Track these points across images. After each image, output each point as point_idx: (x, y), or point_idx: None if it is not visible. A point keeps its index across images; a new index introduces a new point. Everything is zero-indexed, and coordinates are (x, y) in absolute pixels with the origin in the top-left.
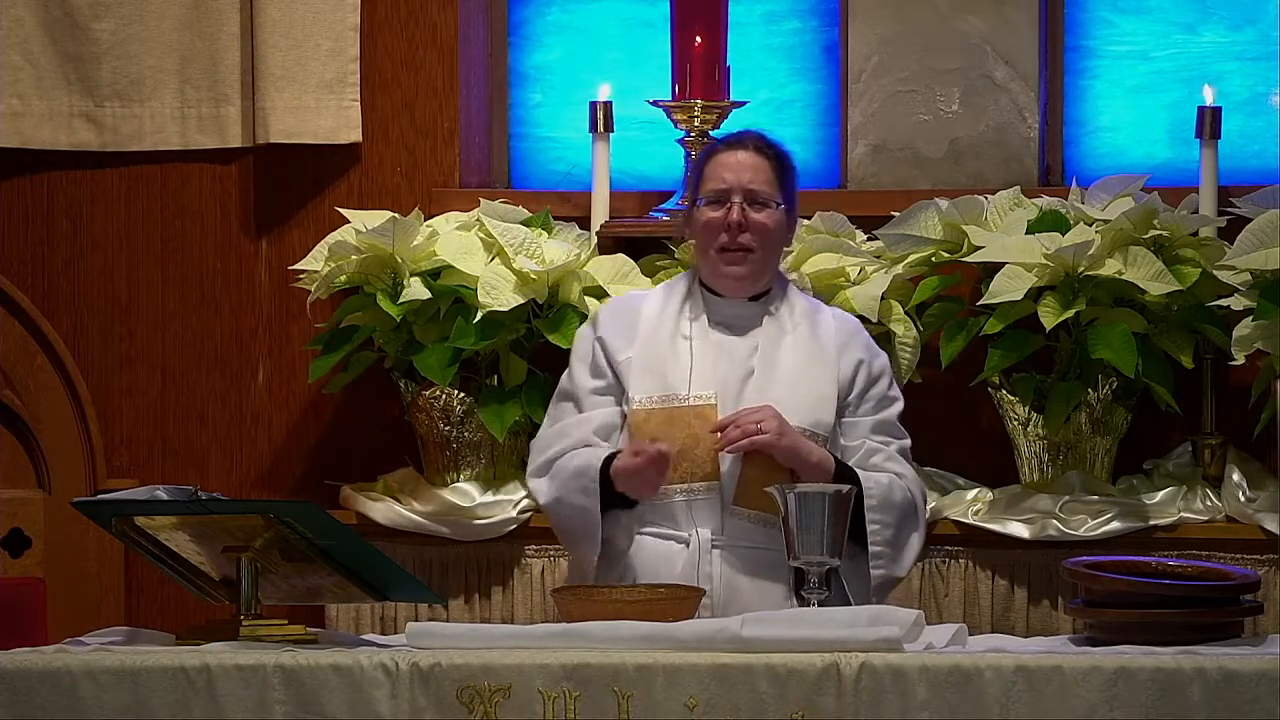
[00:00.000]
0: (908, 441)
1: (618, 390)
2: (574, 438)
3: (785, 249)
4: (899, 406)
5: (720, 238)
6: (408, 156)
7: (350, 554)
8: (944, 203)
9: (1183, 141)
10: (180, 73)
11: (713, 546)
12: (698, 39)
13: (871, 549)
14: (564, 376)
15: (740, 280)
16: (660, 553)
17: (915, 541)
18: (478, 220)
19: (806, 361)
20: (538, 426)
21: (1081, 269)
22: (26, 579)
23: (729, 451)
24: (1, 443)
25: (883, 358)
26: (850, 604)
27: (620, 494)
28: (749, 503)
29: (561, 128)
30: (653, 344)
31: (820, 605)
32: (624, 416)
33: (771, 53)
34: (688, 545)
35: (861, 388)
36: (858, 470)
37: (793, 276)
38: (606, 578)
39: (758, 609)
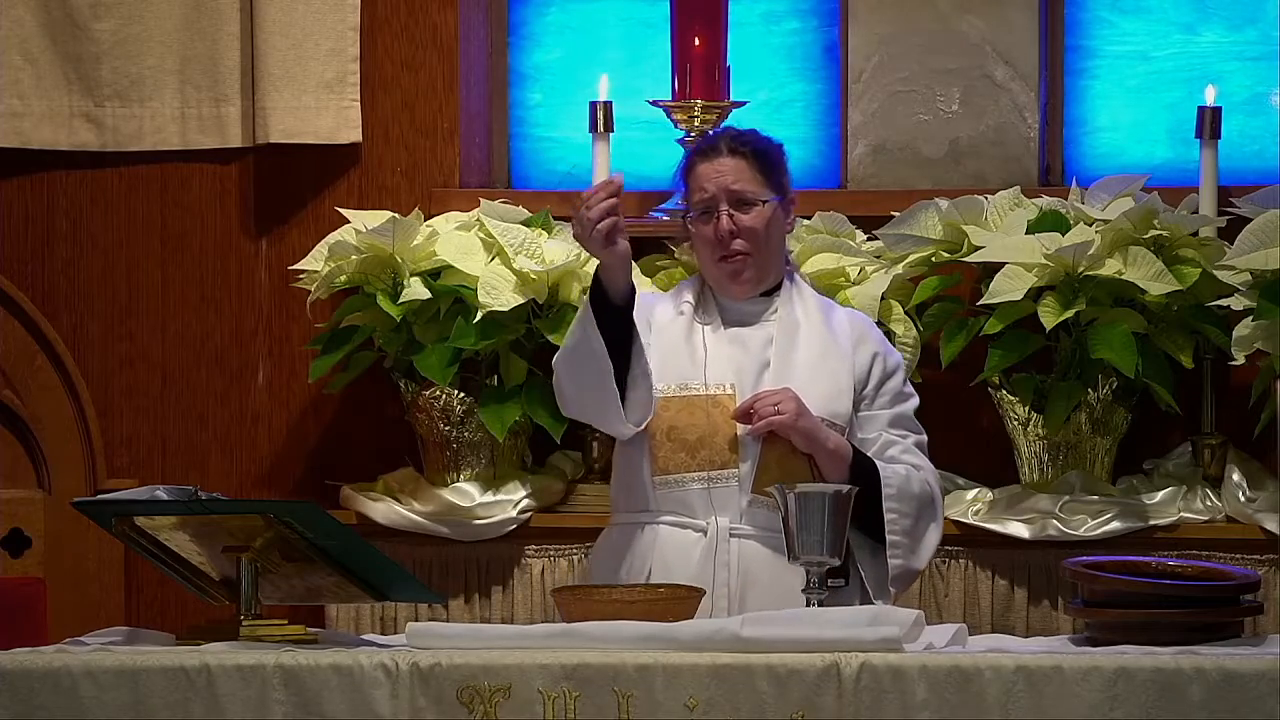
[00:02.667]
0: (924, 437)
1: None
2: None
3: (788, 235)
4: (915, 403)
5: (716, 249)
6: (408, 156)
7: (350, 554)
8: (944, 203)
9: (1183, 141)
10: (180, 73)
11: (731, 535)
12: (698, 39)
13: (889, 539)
14: None
15: (745, 285)
16: (678, 542)
17: (933, 533)
18: (478, 220)
19: (822, 353)
20: (538, 426)
21: (1081, 269)
22: (26, 579)
23: (748, 434)
24: (1, 443)
25: (897, 355)
26: (868, 597)
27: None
28: (767, 488)
29: (561, 128)
30: (667, 337)
31: (820, 605)
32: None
33: (771, 53)
34: (705, 534)
35: (877, 381)
36: (875, 461)
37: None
38: (623, 567)
39: (774, 597)
